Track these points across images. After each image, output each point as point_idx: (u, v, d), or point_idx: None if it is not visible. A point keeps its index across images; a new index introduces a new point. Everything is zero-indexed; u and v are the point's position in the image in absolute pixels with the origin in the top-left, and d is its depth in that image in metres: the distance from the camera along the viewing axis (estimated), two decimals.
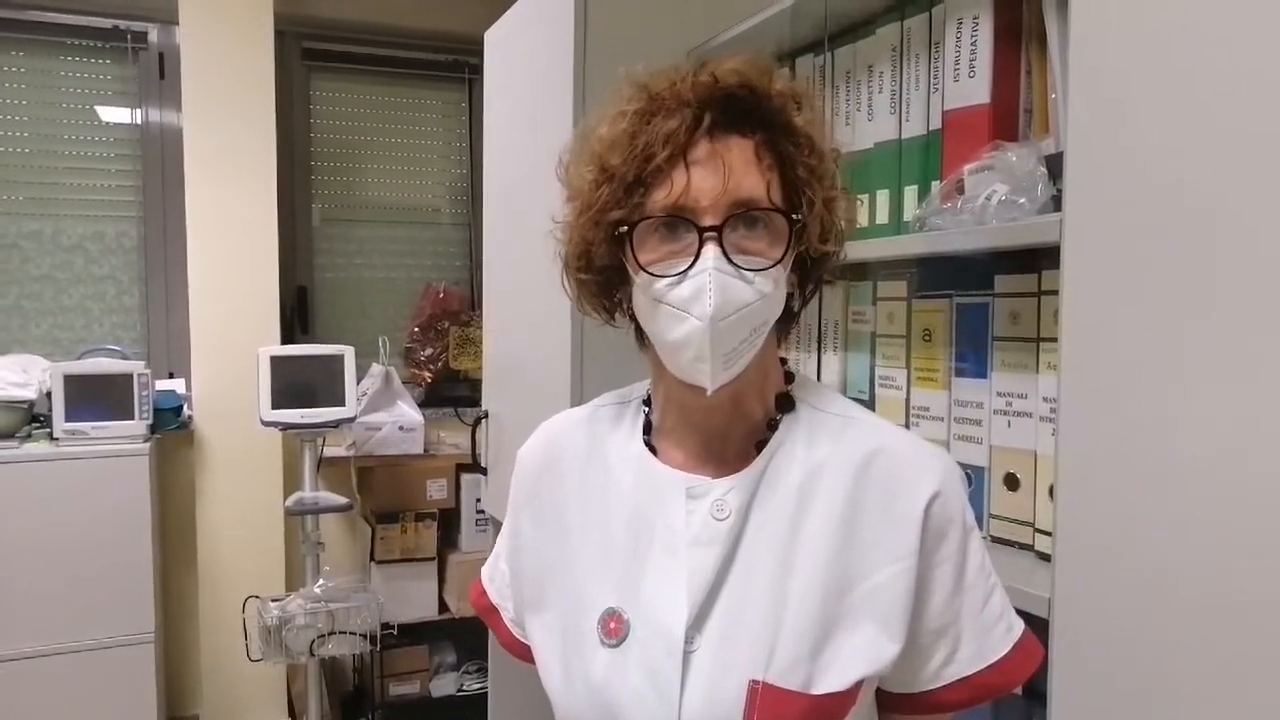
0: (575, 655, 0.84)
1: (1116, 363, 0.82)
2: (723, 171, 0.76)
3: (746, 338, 0.78)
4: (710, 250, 0.75)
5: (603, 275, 0.85)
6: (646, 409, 0.91)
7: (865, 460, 0.82)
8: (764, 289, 0.77)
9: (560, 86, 1.66)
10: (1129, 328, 0.81)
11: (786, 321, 0.87)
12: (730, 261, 0.76)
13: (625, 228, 0.79)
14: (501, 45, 2.13)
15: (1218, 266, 0.74)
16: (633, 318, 0.86)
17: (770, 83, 0.80)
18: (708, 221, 0.76)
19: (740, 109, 0.78)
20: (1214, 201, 0.74)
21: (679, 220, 0.77)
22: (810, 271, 0.85)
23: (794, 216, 0.79)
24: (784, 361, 0.91)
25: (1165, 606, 0.79)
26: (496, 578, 1.02)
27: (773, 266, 0.77)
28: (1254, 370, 0.71)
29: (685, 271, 0.76)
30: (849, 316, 1.39)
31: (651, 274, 0.78)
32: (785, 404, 0.87)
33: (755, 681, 0.77)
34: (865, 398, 1.35)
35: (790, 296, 0.84)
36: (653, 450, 0.88)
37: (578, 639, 0.84)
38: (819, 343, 1.45)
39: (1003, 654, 0.83)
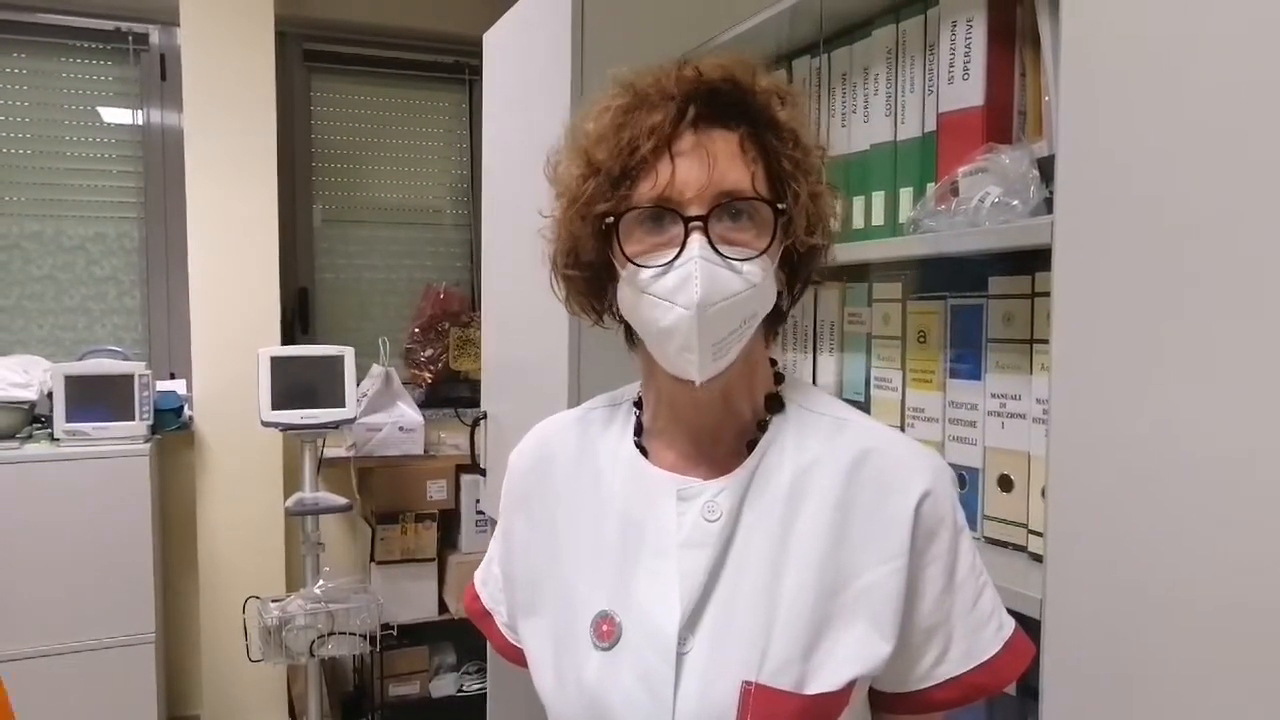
0: (568, 658, 0.84)
1: (1107, 364, 0.83)
2: (707, 163, 0.77)
3: (735, 329, 0.78)
4: (696, 240, 0.76)
5: (590, 272, 0.85)
6: (638, 411, 0.92)
7: (856, 460, 0.82)
8: (752, 279, 0.77)
9: (557, 88, 1.66)
10: (1120, 329, 0.81)
11: (775, 320, 0.87)
12: (716, 251, 0.76)
13: (611, 219, 0.79)
14: (500, 47, 2.14)
15: (1208, 269, 0.74)
16: (622, 319, 0.87)
17: (754, 78, 0.80)
18: (693, 211, 0.76)
19: (724, 102, 0.79)
20: (1204, 204, 0.74)
21: (665, 211, 0.77)
22: (799, 268, 0.86)
23: (779, 206, 0.79)
24: (774, 363, 0.91)
25: (1156, 607, 0.79)
26: (490, 582, 1.02)
27: (759, 256, 0.78)
28: (1245, 372, 0.71)
29: (671, 262, 0.77)
30: (845, 318, 1.39)
31: (638, 264, 0.78)
32: (775, 404, 0.87)
33: (748, 682, 0.77)
34: (861, 399, 1.35)
35: (779, 295, 0.85)
36: (644, 452, 0.88)
37: (570, 642, 0.85)
38: (814, 344, 1.45)
39: (994, 653, 0.83)
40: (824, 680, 0.78)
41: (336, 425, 2.73)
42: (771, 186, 0.80)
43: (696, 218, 0.76)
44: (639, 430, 0.90)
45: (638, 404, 0.92)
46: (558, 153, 0.86)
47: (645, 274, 0.78)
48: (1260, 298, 0.70)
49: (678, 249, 0.76)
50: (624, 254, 0.79)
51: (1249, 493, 0.72)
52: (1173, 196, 0.77)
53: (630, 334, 0.87)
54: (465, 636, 3.17)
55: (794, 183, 0.80)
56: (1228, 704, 0.74)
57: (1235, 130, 0.72)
